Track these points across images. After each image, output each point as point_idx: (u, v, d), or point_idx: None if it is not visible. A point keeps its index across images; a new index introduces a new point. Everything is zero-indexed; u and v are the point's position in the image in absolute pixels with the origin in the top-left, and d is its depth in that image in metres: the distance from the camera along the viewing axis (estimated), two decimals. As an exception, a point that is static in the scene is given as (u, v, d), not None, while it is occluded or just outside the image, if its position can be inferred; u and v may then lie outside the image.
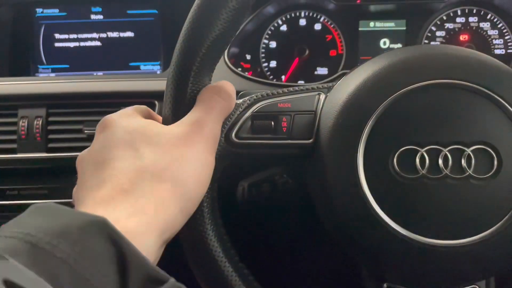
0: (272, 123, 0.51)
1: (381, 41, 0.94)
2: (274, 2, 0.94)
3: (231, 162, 0.52)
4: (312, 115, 0.51)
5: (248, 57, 0.97)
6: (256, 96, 0.53)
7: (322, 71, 0.96)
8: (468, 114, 0.44)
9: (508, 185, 0.43)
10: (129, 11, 0.95)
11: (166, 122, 0.49)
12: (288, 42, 0.96)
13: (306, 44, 0.95)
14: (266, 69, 0.97)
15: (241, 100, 0.53)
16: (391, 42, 0.94)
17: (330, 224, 0.50)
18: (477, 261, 0.45)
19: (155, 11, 0.95)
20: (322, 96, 0.53)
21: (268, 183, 0.68)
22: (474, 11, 0.91)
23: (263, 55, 0.97)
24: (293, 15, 0.96)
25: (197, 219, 0.48)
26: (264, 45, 0.97)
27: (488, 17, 0.91)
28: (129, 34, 0.95)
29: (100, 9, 0.95)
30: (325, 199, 0.49)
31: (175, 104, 0.48)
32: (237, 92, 0.71)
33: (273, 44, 0.97)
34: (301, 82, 0.96)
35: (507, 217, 0.43)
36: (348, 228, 0.47)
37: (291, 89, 0.54)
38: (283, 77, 0.96)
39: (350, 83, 0.49)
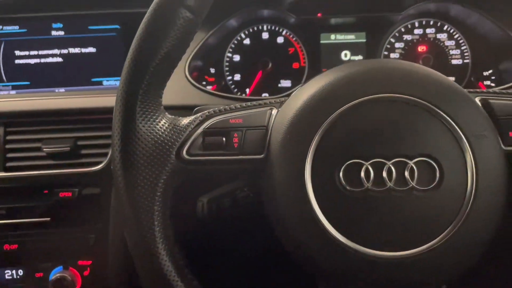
0: (224, 139, 0.51)
1: (342, 53, 0.95)
2: (236, 15, 0.95)
3: (184, 179, 0.52)
4: (263, 130, 0.51)
5: (212, 70, 0.97)
6: (208, 113, 0.53)
7: (285, 83, 0.97)
8: (410, 127, 0.45)
9: (450, 196, 0.44)
10: (90, 27, 0.94)
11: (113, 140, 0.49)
12: (252, 56, 0.97)
13: (269, 57, 0.96)
14: (231, 82, 0.97)
15: (192, 117, 0.53)
16: (352, 54, 0.95)
17: (282, 238, 0.50)
18: (426, 271, 0.46)
19: (117, 26, 0.94)
20: (274, 111, 0.53)
21: (228, 198, 0.68)
22: (431, 23, 0.94)
23: (227, 68, 0.97)
24: (255, 28, 0.97)
25: (148, 237, 0.48)
26: (228, 59, 0.97)
27: (445, 28, 0.93)
28: (91, 49, 0.94)
29: (61, 25, 0.94)
30: (276, 213, 0.49)
31: (124, 129, 0.48)
32: (194, 107, 0.72)
33: (236, 58, 0.97)
34: (265, 95, 0.97)
35: (451, 226, 0.44)
36: (298, 242, 0.47)
37: (243, 104, 0.55)
38: (247, 90, 0.97)
39: (299, 98, 0.50)
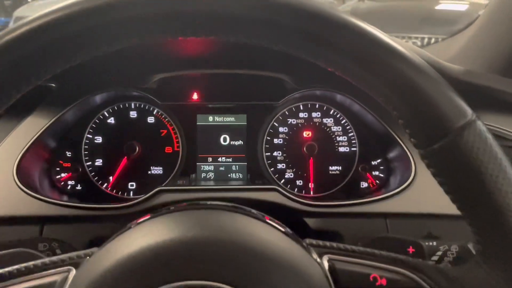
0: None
1: (221, 137, 0.85)
2: (100, 91, 0.81)
3: None
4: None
5: (69, 154, 0.82)
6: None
7: (156, 170, 0.84)
8: None
9: None
10: None
11: None
12: (117, 137, 0.83)
13: (137, 140, 0.83)
14: (90, 169, 0.83)
15: None
16: (231, 139, 0.85)
17: None
18: None
19: None
20: (72, 274, 0.40)
21: None
22: (317, 106, 0.86)
23: (86, 152, 0.83)
24: (122, 106, 0.84)
25: None
26: (87, 141, 0.83)
27: (331, 112, 0.86)
28: None
29: None
30: None
31: None
32: (21, 218, 0.59)
33: (98, 139, 0.83)
34: (132, 184, 0.83)
35: None
36: None
37: (31, 265, 0.41)
38: (110, 178, 0.83)
39: (93, 269, 0.37)
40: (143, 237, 0.39)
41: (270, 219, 0.43)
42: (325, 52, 0.35)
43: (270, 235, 0.40)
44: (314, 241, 0.44)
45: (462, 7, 2.99)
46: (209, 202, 0.45)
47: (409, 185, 0.69)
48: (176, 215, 0.42)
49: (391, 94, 0.35)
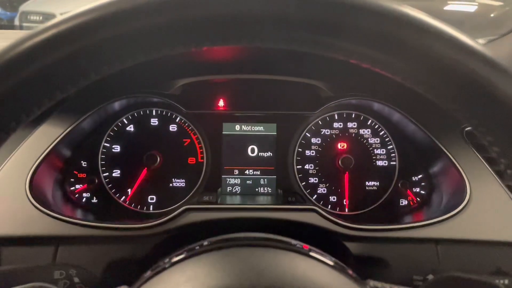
0: None
1: (249, 148, 0.78)
2: (119, 97, 0.74)
3: None
4: None
5: (84, 164, 0.76)
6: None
7: (178, 183, 0.77)
8: None
9: None
10: None
11: None
12: (136, 147, 0.77)
13: (158, 150, 0.77)
14: (107, 180, 0.76)
15: None
16: (260, 150, 0.78)
17: None
18: None
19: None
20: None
21: None
22: (353, 116, 0.79)
23: (103, 162, 0.76)
24: (142, 113, 0.78)
25: None
26: (105, 150, 0.77)
27: (369, 123, 0.79)
28: None
29: None
30: None
31: None
32: (35, 238, 0.53)
33: (116, 148, 0.77)
34: (152, 197, 0.77)
35: None
36: None
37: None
38: (129, 191, 0.76)
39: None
40: (186, 283, 0.32)
41: (316, 252, 0.37)
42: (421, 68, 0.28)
43: (329, 279, 0.34)
44: (379, 284, 0.38)
45: (471, 8, 2.91)
46: (250, 235, 0.39)
47: (464, 207, 0.62)
48: (220, 255, 0.35)
49: (486, 116, 0.28)
